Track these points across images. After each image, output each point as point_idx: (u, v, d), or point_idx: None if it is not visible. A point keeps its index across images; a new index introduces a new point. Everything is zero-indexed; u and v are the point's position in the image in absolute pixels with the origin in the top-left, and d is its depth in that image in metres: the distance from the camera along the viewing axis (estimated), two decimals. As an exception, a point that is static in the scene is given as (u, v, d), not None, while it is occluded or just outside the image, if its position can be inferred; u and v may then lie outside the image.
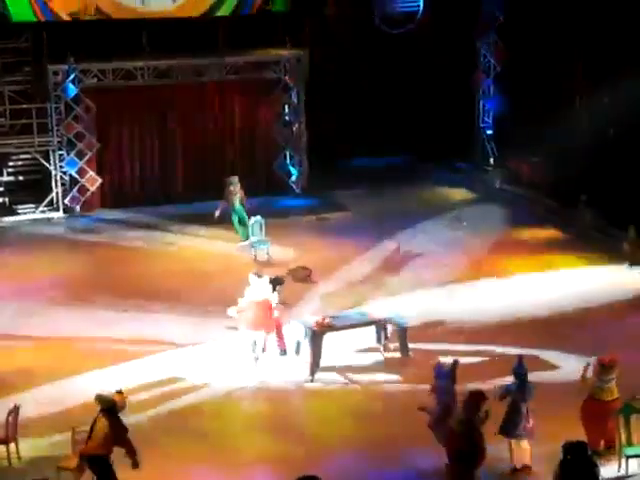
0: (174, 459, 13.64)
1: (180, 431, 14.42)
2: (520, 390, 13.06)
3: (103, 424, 12.13)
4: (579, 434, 12.69)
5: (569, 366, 15.97)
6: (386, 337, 16.93)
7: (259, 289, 16.59)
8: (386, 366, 16.42)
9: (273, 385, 15.86)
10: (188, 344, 17.37)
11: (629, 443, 12.92)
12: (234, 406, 15.38)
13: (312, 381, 15.85)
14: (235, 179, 23.67)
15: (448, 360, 13.92)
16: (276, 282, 17.10)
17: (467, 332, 17.68)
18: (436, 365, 13.70)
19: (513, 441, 13.14)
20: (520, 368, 13.27)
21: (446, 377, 13.40)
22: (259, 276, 16.78)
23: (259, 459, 13.66)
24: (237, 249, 22.57)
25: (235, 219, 23.35)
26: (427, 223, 24.32)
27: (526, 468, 13.11)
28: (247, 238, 22.65)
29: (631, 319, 18.00)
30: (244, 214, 23.25)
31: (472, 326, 17.94)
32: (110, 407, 12.19)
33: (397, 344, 16.67)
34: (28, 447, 13.75)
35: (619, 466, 12.85)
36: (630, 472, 12.84)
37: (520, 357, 13.42)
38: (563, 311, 18.55)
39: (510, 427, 13.10)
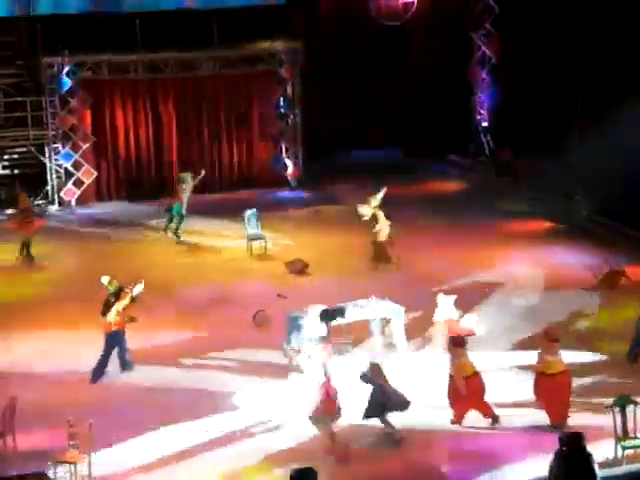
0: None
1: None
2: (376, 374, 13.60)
3: (121, 303, 15.55)
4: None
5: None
6: (383, 332, 16.91)
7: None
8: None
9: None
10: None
11: (625, 433, 12.95)
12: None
13: None
14: (188, 177, 23.39)
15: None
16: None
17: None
18: (360, 373, 13.83)
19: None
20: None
21: (373, 379, 13.60)
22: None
23: None
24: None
25: (177, 215, 22.98)
26: (420, 215, 24.38)
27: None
28: (169, 230, 23.03)
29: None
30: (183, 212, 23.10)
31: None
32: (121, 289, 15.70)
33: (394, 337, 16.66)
34: (25, 440, 13.73)
35: (615, 453, 12.89)
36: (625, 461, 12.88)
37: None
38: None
39: (376, 409, 13.54)
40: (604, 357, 16.22)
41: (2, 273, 20.91)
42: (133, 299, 15.92)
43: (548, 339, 14.01)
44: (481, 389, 14.06)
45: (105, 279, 16.12)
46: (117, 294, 15.78)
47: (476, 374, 14.07)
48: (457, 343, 14.25)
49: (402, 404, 13.71)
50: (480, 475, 12.77)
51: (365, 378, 13.71)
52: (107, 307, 15.74)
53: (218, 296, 19.18)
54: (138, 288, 15.97)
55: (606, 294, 18.83)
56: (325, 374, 13.55)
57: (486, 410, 14.07)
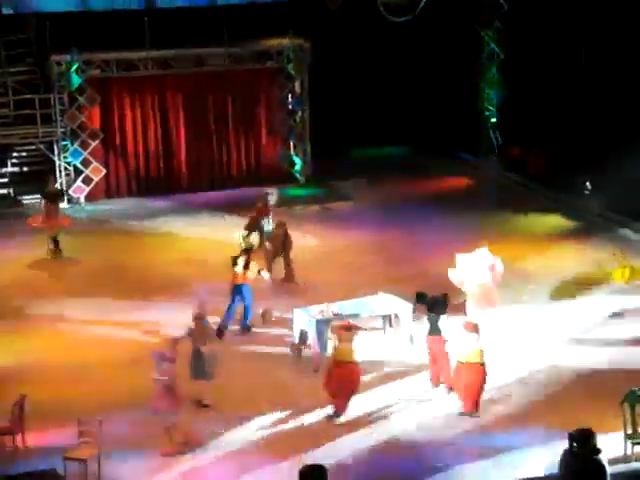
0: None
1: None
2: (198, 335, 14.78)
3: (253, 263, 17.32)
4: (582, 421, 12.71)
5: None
6: (390, 326, 16.94)
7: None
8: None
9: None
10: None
11: (634, 431, 12.94)
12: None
13: (317, 371, 15.83)
14: (274, 192, 23.08)
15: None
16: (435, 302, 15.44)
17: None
18: (153, 353, 14.17)
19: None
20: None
21: (164, 359, 13.84)
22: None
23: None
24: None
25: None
26: (429, 212, 24.43)
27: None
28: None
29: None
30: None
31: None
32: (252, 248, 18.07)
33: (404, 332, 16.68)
34: (35, 437, 13.78)
35: (625, 449, 12.87)
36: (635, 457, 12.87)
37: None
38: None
39: (196, 371, 14.60)
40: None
41: (35, 268, 21.15)
42: (259, 272, 17.59)
43: (339, 327, 14.62)
44: (350, 381, 14.20)
45: (240, 234, 19.08)
46: (247, 251, 17.80)
47: (352, 364, 14.23)
48: (347, 328, 14.57)
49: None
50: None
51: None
52: (237, 261, 17.39)
53: (227, 292, 19.22)
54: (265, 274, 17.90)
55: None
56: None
57: (341, 405, 14.24)
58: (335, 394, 14.30)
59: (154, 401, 13.68)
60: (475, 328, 14.28)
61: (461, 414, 14.29)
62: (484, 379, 14.16)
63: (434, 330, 15.13)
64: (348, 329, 14.51)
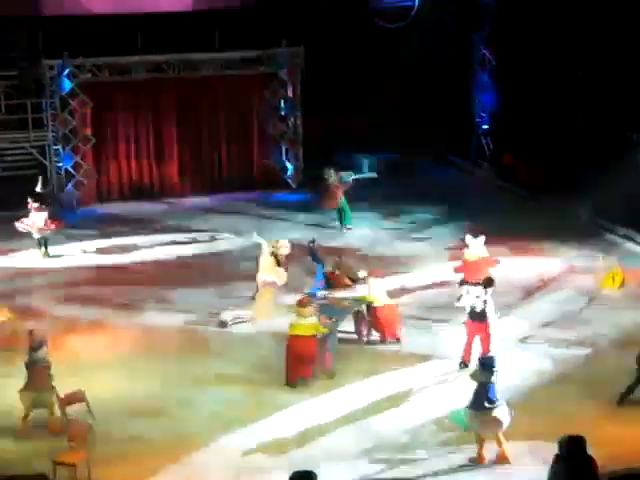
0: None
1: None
2: None
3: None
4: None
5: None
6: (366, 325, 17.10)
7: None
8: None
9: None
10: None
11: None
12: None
13: None
14: (331, 171, 23.81)
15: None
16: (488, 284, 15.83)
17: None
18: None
19: None
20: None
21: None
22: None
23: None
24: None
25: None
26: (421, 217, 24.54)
27: None
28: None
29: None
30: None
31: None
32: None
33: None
34: (24, 441, 13.71)
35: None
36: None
37: None
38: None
39: None
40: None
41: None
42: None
43: (298, 305, 15.80)
44: (300, 354, 15.29)
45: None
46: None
47: (303, 337, 15.39)
48: (303, 304, 15.78)
49: None
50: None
51: None
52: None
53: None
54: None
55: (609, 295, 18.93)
56: None
57: (294, 374, 15.37)
58: (292, 363, 15.45)
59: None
60: (381, 273, 17.37)
61: (390, 343, 16.54)
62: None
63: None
64: (303, 305, 15.65)
